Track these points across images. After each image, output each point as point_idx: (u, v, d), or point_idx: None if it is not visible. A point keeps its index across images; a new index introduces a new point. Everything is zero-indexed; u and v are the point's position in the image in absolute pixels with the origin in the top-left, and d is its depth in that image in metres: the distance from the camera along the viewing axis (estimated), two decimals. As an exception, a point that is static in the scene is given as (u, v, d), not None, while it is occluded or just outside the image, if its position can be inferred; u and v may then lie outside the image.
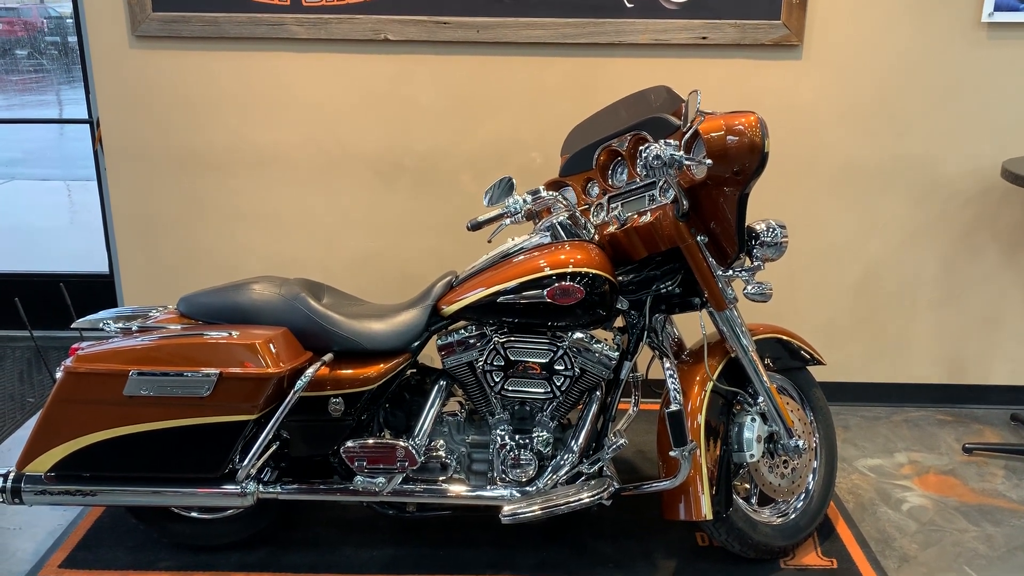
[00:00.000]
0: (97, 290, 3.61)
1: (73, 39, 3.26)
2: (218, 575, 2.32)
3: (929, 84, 3.04)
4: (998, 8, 2.92)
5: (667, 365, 2.28)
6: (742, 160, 1.99)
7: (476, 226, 2.33)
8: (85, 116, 3.47)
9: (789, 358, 2.50)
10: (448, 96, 3.10)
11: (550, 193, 2.31)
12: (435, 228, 3.23)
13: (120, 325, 2.21)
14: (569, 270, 2.16)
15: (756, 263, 2.21)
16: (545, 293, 2.16)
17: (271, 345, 2.09)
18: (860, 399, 3.38)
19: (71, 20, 3.25)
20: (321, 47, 3.04)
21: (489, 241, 2.37)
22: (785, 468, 2.42)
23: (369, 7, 2.97)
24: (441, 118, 3.13)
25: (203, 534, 2.40)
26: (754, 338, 2.35)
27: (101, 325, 2.22)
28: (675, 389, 2.23)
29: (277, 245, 3.27)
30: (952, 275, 3.25)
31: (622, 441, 2.28)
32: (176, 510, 2.36)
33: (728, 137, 1.98)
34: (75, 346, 2.13)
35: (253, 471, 2.17)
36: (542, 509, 2.22)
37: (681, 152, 2.00)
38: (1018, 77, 3.02)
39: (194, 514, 2.38)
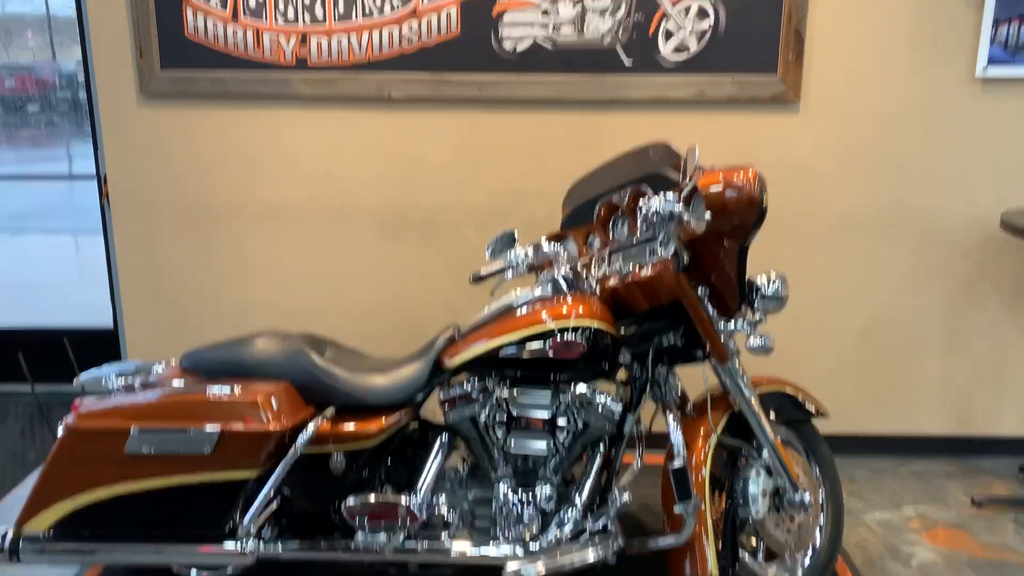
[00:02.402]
0: (102, 344, 3.62)
1: (84, 94, 3.32)
2: (217, 635, 2.28)
3: (926, 136, 3.07)
4: (992, 62, 2.96)
5: (670, 418, 2.27)
6: (741, 214, 2.00)
7: (479, 279, 2.35)
8: (93, 171, 3.52)
9: (793, 410, 2.48)
10: (452, 151, 3.15)
11: (552, 246, 2.33)
12: (439, 280, 3.25)
13: (122, 381, 2.21)
14: (571, 323, 2.16)
15: (758, 315, 2.22)
16: (548, 347, 2.16)
17: (273, 401, 2.09)
18: (866, 451, 3.35)
19: (82, 76, 3.32)
20: (327, 105, 3.09)
21: (492, 293, 2.38)
22: (791, 523, 2.39)
23: (373, 66, 3.03)
24: (445, 172, 3.17)
25: (203, 593, 2.36)
26: (757, 391, 2.34)
27: (104, 381, 2.22)
28: (678, 443, 2.21)
29: (282, 298, 3.29)
30: (956, 324, 3.24)
31: (626, 497, 2.26)
32: (176, 568, 2.33)
33: (727, 191, 2.00)
34: (77, 402, 2.13)
35: (254, 529, 2.15)
36: (546, 567, 2.18)
37: (680, 206, 2.02)
38: (1014, 129, 3.05)
39: (193, 572, 2.35)
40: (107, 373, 2.25)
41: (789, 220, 3.13)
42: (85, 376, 2.26)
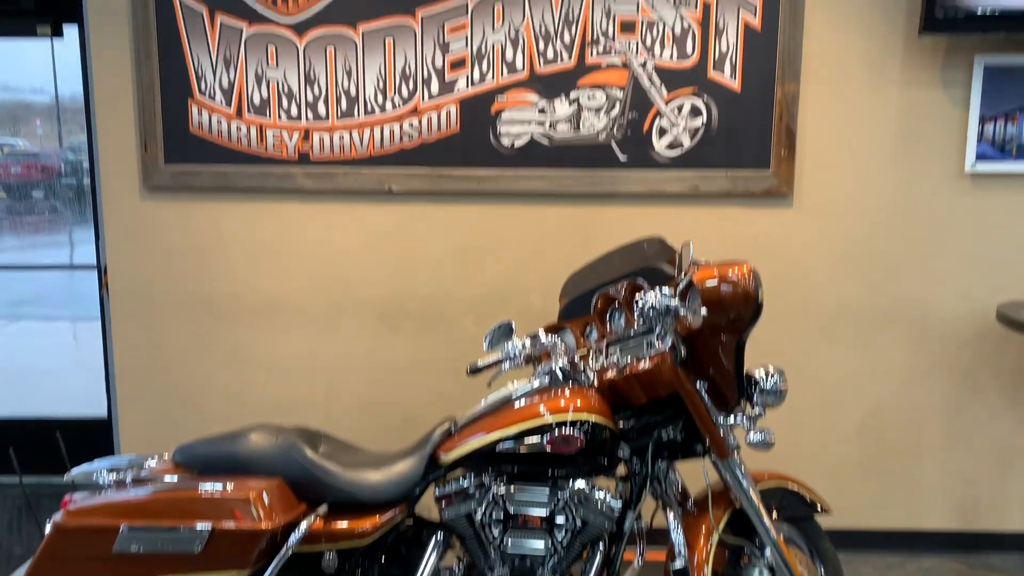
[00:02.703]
0: (95, 434, 3.58)
1: (88, 180, 3.37)
2: None
3: (918, 230, 3.12)
4: (980, 158, 3.03)
5: (671, 516, 2.23)
6: (737, 309, 2.01)
7: (476, 370, 2.34)
8: (93, 261, 3.55)
9: (795, 507, 2.43)
10: (450, 243, 3.18)
11: (549, 337, 2.33)
12: (436, 371, 3.24)
13: (114, 476, 2.17)
14: (569, 417, 2.14)
15: (757, 410, 2.20)
16: (545, 441, 2.14)
17: (265, 497, 2.05)
18: (871, 547, 3.28)
19: (87, 162, 3.38)
20: (328, 198, 3.15)
21: (489, 385, 2.37)
22: (797, 625, 2.32)
23: (374, 161, 3.10)
24: (443, 264, 3.20)
25: None
26: (759, 486, 2.31)
27: (95, 476, 2.18)
28: (680, 543, 2.17)
29: (279, 390, 3.27)
30: (957, 417, 3.22)
31: (626, 597, 2.20)
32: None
33: (722, 286, 2.02)
34: (67, 498, 2.08)
35: (242, 632, 2.08)
36: (544, 672, 2.11)
37: (676, 301, 2.03)
38: (1005, 222, 3.10)
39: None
40: (98, 468, 2.21)
41: (786, 312, 3.14)
42: (76, 471, 2.22)
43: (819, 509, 2.47)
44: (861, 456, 3.25)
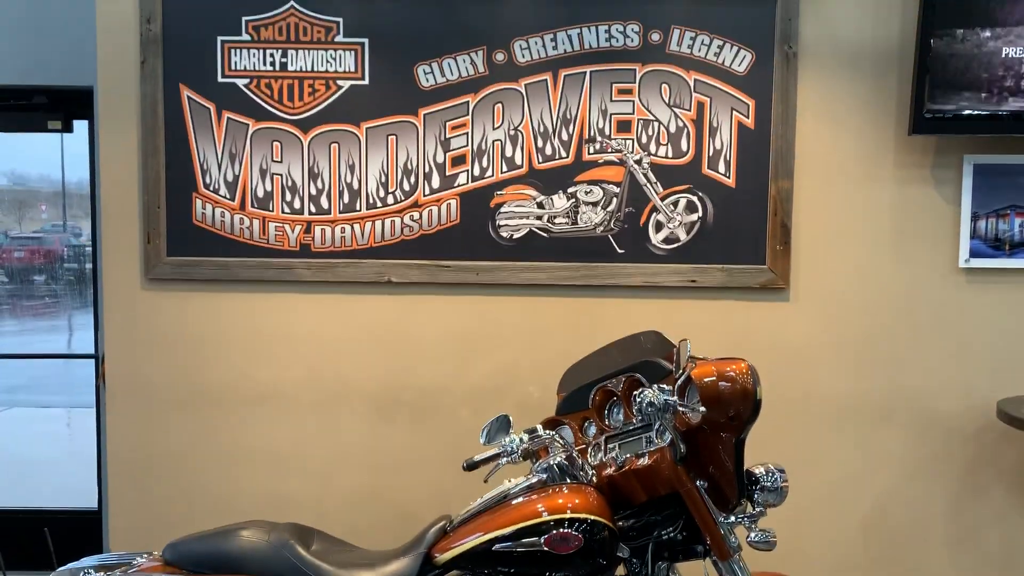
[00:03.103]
0: (85, 527, 3.51)
1: (90, 264, 3.40)
2: None
3: (915, 323, 3.13)
4: (973, 255, 3.07)
5: (672, 620, 2.17)
6: (735, 406, 2.01)
7: (472, 466, 2.31)
8: (91, 349, 3.55)
9: (799, 609, 2.37)
10: (448, 333, 3.19)
11: (547, 432, 2.31)
12: (433, 463, 3.20)
13: (102, 575, 2.12)
14: (567, 516, 2.10)
15: (758, 509, 2.17)
16: (543, 541, 2.09)
17: (256, 600, 2.00)
18: (880, 650, 3.18)
19: (89, 247, 3.42)
20: (327, 289, 3.17)
21: (486, 481, 2.33)
22: None
23: (373, 252, 3.14)
24: (441, 354, 3.19)
25: None
26: (761, 588, 2.25)
27: (82, 575, 2.13)
28: (681, 648, 2.10)
29: (273, 484, 3.22)
30: (962, 513, 3.16)
31: None
32: None
33: (720, 383, 2.01)
34: (52, 598, 2.03)
35: None
36: None
37: (675, 398, 2.02)
38: (1001, 317, 3.12)
39: None
40: (86, 566, 2.16)
41: (784, 406, 3.12)
42: (63, 569, 2.17)
43: (824, 612, 2.41)
44: (865, 553, 3.18)
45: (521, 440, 2.26)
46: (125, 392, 3.23)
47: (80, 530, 3.42)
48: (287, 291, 3.17)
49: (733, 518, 2.15)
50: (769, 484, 2.14)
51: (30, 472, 5.80)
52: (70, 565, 2.17)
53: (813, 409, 3.15)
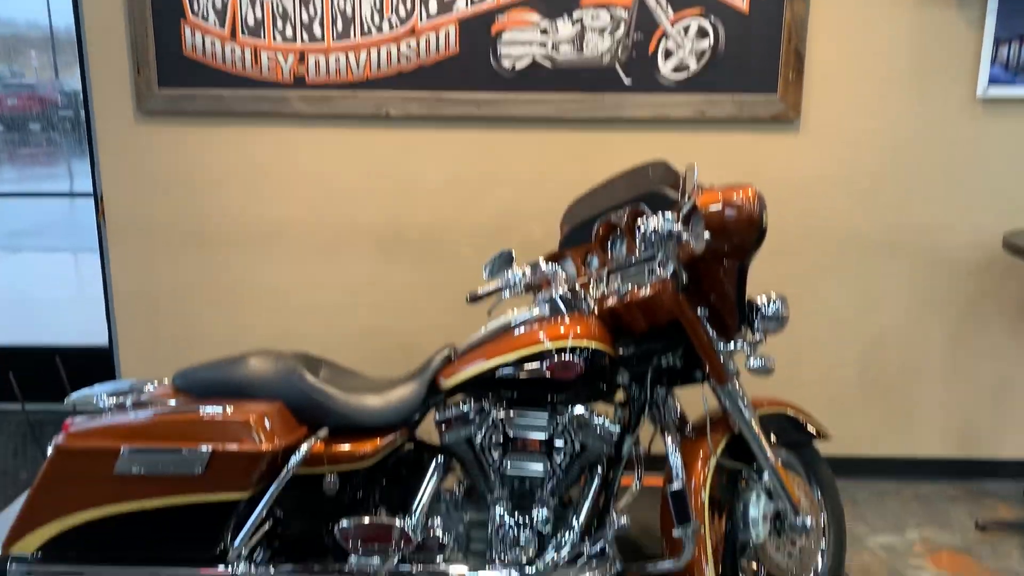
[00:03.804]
0: (96, 363, 3.59)
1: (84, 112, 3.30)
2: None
3: (927, 157, 3.06)
4: (992, 82, 2.95)
5: (669, 441, 2.24)
6: (741, 234, 1.98)
7: (475, 299, 2.33)
8: (91, 190, 3.50)
9: (794, 432, 2.45)
10: (450, 169, 3.13)
11: (550, 266, 2.31)
12: (436, 301, 3.23)
13: (114, 400, 2.18)
14: (568, 344, 2.13)
15: (758, 336, 2.19)
16: (545, 367, 2.13)
17: (265, 421, 2.05)
18: (868, 474, 3.31)
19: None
20: (324, 123, 3.08)
21: (489, 313, 2.35)
22: (792, 547, 2.35)
23: (371, 84, 3.02)
24: (443, 191, 3.15)
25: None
26: (758, 412, 2.31)
27: (95, 400, 2.19)
28: (677, 466, 2.18)
29: (277, 320, 3.26)
30: (959, 347, 3.21)
31: (624, 521, 2.22)
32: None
33: (726, 211, 1.98)
34: (68, 421, 2.10)
35: (245, 551, 2.11)
36: (543, 591, 2.14)
37: (679, 226, 1.99)
38: (1016, 150, 3.04)
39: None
40: (98, 392, 2.22)
41: (789, 240, 3.11)
42: (76, 395, 2.23)
43: (818, 435, 2.48)
44: (862, 384, 3.26)
45: (524, 274, 2.26)
46: (125, 230, 3.21)
47: (91, 366, 3.49)
48: (283, 124, 3.09)
49: (733, 345, 2.18)
50: (770, 312, 2.16)
51: (41, 312, 5.89)
52: (83, 391, 2.23)
53: (818, 242, 3.13)
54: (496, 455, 2.22)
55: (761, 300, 2.18)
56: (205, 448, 2.01)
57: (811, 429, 2.47)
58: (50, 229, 9.07)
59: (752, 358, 2.17)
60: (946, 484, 3.28)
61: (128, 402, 2.17)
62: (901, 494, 3.21)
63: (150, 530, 2.05)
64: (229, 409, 2.07)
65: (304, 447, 2.09)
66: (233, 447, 2.01)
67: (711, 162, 2.97)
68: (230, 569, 2.10)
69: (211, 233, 3.20)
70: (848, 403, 3.27)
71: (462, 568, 2.21)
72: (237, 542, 2.09)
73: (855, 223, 3.11)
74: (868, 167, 3.07)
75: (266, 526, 2.17)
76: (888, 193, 3.09)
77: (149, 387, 2.26)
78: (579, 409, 2.19)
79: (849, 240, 3.13)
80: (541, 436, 2.20)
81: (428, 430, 2.31)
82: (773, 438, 2.35)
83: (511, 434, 2.20)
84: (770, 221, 2.01)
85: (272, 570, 2.16)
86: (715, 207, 1.98)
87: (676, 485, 2.15)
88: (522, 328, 2.22)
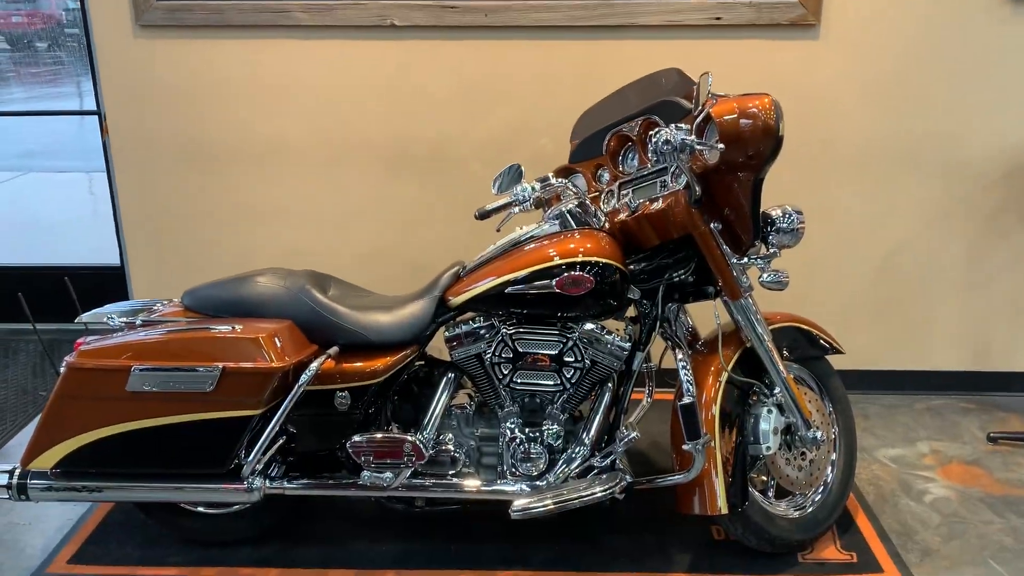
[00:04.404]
0: (109, 283, 3.60)
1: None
2: (228, 571, 2.30)
3: (951, 62, 2.94)
4: (1024, -18, 2.82)
5: (680, 356, 2.23)
6: (756, 144, 1.92)
7: (484, 215, 2.29)
8: (94, 108, 3.44)
9: (807, 347, 2.43)
10: (456, 82, 3.05)
11: (559, 180, 2.27)
12: (444, 217, 3.19)
13: (124, 319, 2.19)
14: (579, 259, 2.10)
15: (772, 250, 2.15)
16: (554, 283, 2.11)
17: (275, 339, 2.05)
18: (880, 387, 3.30)
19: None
20: (327, 34, 2.99)
21: (498, 230, 2.32)
22: (803, 460, 2.36)
23: (374, -8, 2.92)
24: (449, 105, 3.07)
25: (212, 530, 2.38)
26: (770, 327, 2.29)
27: (105, 319, 2.20)
28: (688, 381, 2.17)
29: (285, 238, 3.24)
30: (976, 259, 3.16)
31: (635, 434, 2.23)
32: (184, 505, 2.34)
33: (741, 120, 1.91)
34: (79, 340, 2.10)
35: (259, 466, 2.14)
36: (554, 504, 2.17)
37: (692, 137, 1.93)
38: (1045, 54, 2.92)
39: (201, 509, 2.36)
40: (109, 311, 2.23)
41: (806, 151, 3.03)
42: (87, 315, 2.24)
43: (830, 349, 2.47)
44: (876, 298, 3.22)
45: (533, 188, 2.22)
46: (129, 147, 3.17)
47: (104, 286, 3.50)
48: (285, 37, 3.00)
49: (746, 259, 2.15)
50: (785, 225, 2.11)
51: (51, 232, 5.90)
52: (93, 311, 2.24)
53: (836, 153, 3.05)
54: (506, 371, 2.21)
55: (776, 213, 2.12)
56: (216, 366, 2.01)
57: (824, 343, 2.45)
58: (59, 149, 9.02)
59: (765, 272, 2.13)
60: (958, 397, 3.28)
61: (138, 321, 2.18)
62: (912, 407, 3.22)
63: (164, 446, 2.08)
64: (239, 327, 2.07)
65: (315, 364, 2.09)
66: (243, 365, 2.02)
67: (726, 71, 2.86)
68: (244, 484, 2.13)
69: (215, 149, 3.15)
70: (862, 317, 3.24)
71: (474, 482, 2.24)
72: (251, 457, 2.12)
73: (875, 132, 3.02)
74: (890, 75, 2.96)
75: (279, 442, 2.20)
76: (911, 101, 2.99)
77: (159, 306, 2.26)
78: (589, 326, 2.18)
79: (868, 150, 3.04)
80: (551, 351, 2.19)
81: (439, 347, 2.31)
82: (785, 352, 2.34)
83: (520, 350, 2.19)
84: (787, 130, 1.94)
85: (286, 484, 2.20)
86: (730, 116, 1.92)
87: (687, 399, 2.15)
88: (532, 244, 2.19)
